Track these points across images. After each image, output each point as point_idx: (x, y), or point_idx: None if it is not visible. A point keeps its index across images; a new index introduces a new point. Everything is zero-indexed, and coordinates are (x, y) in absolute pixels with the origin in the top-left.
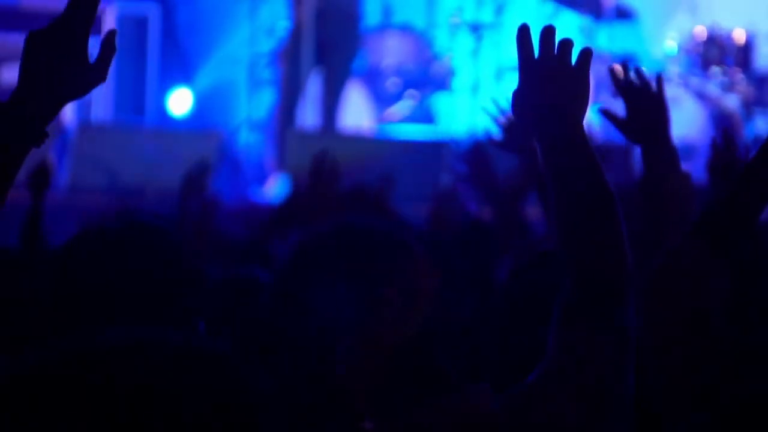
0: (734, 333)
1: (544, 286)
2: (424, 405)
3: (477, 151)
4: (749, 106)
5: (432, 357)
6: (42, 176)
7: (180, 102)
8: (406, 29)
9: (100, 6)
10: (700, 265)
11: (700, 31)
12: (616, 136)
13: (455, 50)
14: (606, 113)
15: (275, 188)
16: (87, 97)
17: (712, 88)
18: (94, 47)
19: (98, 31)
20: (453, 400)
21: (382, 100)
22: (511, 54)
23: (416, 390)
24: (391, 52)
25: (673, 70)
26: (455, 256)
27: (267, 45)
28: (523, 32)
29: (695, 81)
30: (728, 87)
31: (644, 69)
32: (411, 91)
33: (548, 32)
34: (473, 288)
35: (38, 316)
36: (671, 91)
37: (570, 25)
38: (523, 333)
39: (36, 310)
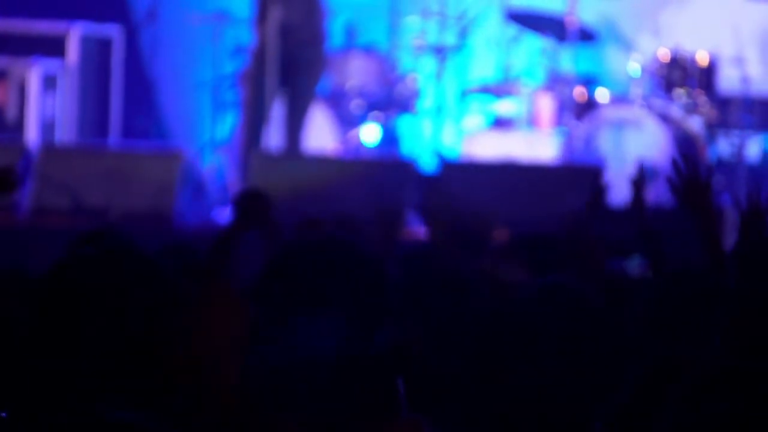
0: None
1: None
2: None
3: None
4: (712, 128)
5: (392, 381)
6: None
7: None
8: (370, 51)
9: (63, 27)
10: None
11: (664, 53)
12: (584, 159)
13: (419, 72)
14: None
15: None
16: (50, 118)
17: (676, 110)
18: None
19: (62, 53)
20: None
21: (346, 122)
22: (474, 76)
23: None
24: (355, 74)
25: (636, 92)
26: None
27: (231, 67)
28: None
29: (658, 103)
30: (691, 109)
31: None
32: (375, 113)
33: None
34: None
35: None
36: (634, 113)
37: (533, 48)
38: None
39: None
